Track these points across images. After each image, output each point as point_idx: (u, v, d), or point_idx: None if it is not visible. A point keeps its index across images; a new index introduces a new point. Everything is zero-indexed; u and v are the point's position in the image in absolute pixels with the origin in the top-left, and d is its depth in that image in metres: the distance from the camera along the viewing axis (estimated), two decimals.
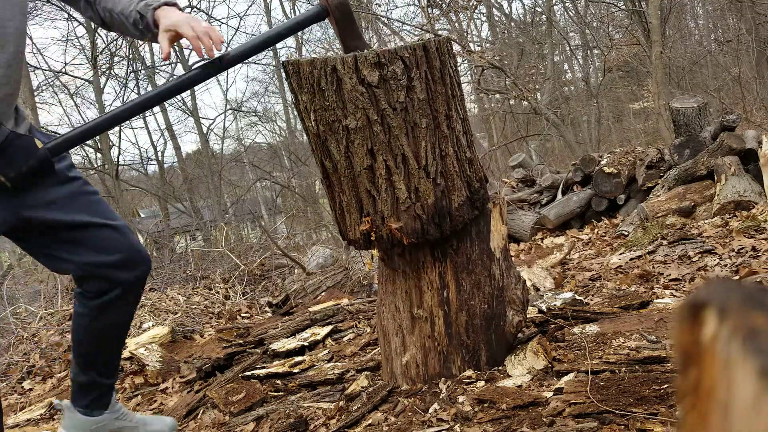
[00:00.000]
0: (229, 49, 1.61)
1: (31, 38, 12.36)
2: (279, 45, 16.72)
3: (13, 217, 1.55)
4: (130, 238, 1.71)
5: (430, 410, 1.63)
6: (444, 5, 9.94)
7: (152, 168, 16.59)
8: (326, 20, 1.64)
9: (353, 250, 6.43)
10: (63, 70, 12.11)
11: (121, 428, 1.76)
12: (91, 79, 11.79)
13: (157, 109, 14.35)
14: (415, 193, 1.58)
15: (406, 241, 1.60)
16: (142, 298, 5.14)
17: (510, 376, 1.76)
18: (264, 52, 15.58)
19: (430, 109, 1.55)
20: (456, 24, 11.49)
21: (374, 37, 13.28)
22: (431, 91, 1.55)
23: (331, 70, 1.47)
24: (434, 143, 1.58)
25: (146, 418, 1.81)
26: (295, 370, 2.22)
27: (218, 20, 18.51)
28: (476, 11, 12.88)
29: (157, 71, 13.43)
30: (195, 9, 12.73)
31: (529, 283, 2.94)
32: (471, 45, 12.10)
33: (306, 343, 2.59)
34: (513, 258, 2.86)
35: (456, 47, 9.43)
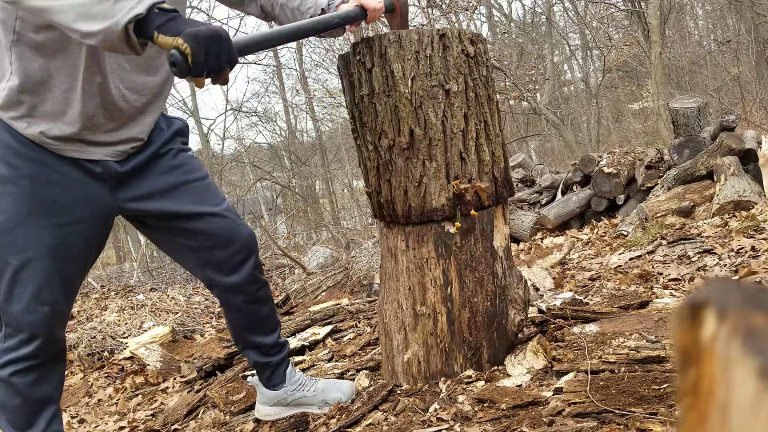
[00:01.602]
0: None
1: None
2: (279, 45, 16.68)
3: (115, 210, 1.53)
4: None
5: (430, 410, 1.63)
6: (444, 6, 9.93)
7: None
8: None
9: (353, 250, 6.42)
10: None
11: (300, 398, 1.86)
12: None
13: None
14: (492, 156, 1.72)
15: (486, 203, 1.72)
16: (143, 297, 5.14)
17: (510, 375, 1.76)
18: (264, 52, 15.56)
19: (492, 89, 1.77)
20: (456, 25, 11.48)
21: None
22: (491, 75, 1.77)
23: (440, 37, 1.61)
24: (498, 118, 1.78)
25: (326, 385, 1.87)
26: None
27: (218, 20, 18.52)
28: (476, 12, 12.88)
29: None
30: (195, 9, 12.74)
31: (528, 283, 2.93)
32: None
33: (306, 343, 2.60)
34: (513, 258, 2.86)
35: None
